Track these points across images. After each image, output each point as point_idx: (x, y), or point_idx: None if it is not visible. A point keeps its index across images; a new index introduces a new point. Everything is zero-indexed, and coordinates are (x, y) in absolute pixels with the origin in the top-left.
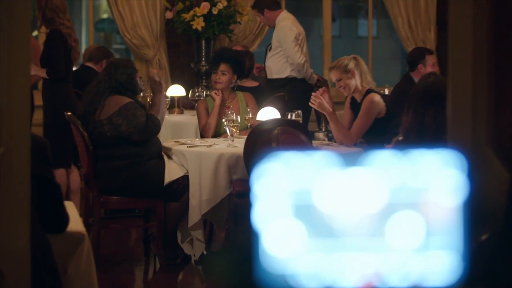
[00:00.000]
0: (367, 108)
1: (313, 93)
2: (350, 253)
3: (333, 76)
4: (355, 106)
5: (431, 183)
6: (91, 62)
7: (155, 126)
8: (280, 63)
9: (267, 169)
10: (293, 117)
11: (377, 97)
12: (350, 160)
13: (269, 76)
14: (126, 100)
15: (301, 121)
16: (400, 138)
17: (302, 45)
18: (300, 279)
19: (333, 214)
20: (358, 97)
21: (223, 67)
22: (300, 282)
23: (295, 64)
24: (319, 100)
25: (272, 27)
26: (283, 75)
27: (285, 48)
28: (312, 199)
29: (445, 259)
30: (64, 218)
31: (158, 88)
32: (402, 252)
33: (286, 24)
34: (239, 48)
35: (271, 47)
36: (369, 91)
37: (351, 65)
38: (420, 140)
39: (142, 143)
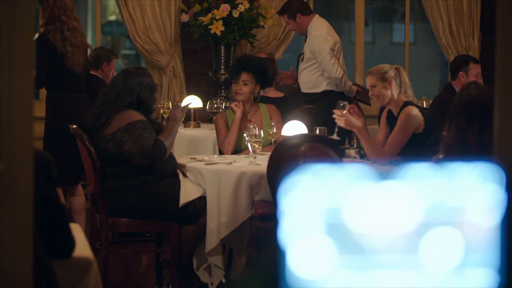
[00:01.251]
0: (403, 122)
1: (334, 110)
2: (381, 272)
3: (368, 81)
4: (392, 120)
5: (468, 198)
6: (92, 69)
7: (161, 152)
8: (314, 76)
9: (295, 183)
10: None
11: (415, 111)
12: (383, 174)
13: (302, 90)
14: (137, 116)
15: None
16: (441, 156)
17: (338, 56)
18: None
19: (364, 232)
20: (394, 111)
21: (244, 76)
22: None
23: (333, 79)
24: (345, 118)
25: (303, 35)
26: (319, 90)
27: (320, 61)
28: (343, 216)
29: (482, 279)
30: (70, 242)
31: (178, 118)
32: (436, 272)
33: (320, 34)
34: (262, 55)
35: (303, 58)
36: (406, 103)
37: (390, 73)
38: (462, 159)
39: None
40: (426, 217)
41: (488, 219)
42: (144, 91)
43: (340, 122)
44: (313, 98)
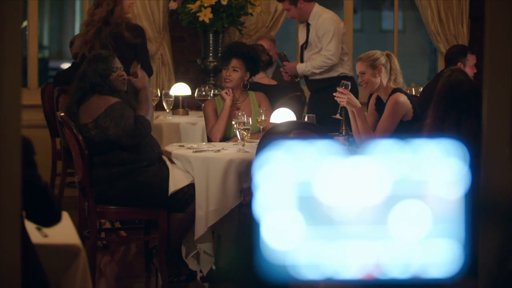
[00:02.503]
0: (391, 109)
1: (338, 88)
2: (351, 242)
3: (358, 68)
4: (380, 107)
5: (433, 173)
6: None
7: (145, 128)
8: None
9: (269, 158)
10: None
11: (402, 97)
12: (352, 149)
13: (312, 77)
14: (113, 99)
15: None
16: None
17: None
18: (301, 270)
19: (334, 205)
20: (383, 97)
21: (234, 62)
22: (302, 273)
23: (325, 59)
24: (347, 96)
25: (303, 22)
26: (335, 74)
27: (330, 40)
28: (314, 190)
29: (446, 250)
30: (55, 207)
31: (140, 83)
32: (403, 242)
33: (331, 17)
34: (266, 41)
35: (306, 46)
36: (394, 90)
37: (381, 61)
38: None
39: (136, 148)
40: (393, 190)
41: (452, 192)
42: (91, 73)
43: (342, 101)
44: (329, 82)
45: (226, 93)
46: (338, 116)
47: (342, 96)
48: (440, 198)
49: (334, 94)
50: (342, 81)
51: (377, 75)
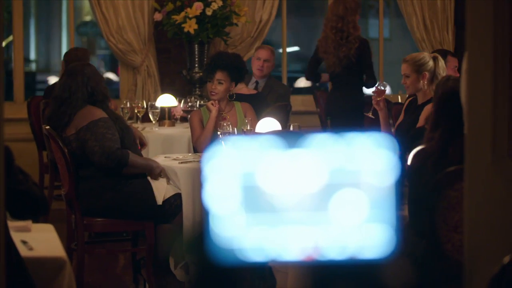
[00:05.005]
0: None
1: (376, 87)
2: (292, 227)
3: (402, 69)
4: (412, 107)
5: (365, 163)
6: None
7: (122, 159)
8: None
9: (216, 152)
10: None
11: None
12: (291, 143)
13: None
14: (98, 114)
15: None
16: (424, 145)
17: None
18: (247, 253)
19: (275, 193)
20: (420, 99)
21: (219, 75)
22: (248, 255)
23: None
24: (383, 98)
25: None
26: None
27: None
28: (257, 179)
29: (379, 233)
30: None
31: (155, 172)
32: (339, 227)
33: None
34: (266, 50)
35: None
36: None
37: (427, 66)
38: (446, 151)
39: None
40: (329, 179)
41: (383, 180)
42: (91, 79)
43: (376, 101)
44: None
45: (212, 104)
46: (370, 114)
47: (378, 98)
48: (373, 186)
49: (372, 91)
50: (381, 82)
51: (421, 80)
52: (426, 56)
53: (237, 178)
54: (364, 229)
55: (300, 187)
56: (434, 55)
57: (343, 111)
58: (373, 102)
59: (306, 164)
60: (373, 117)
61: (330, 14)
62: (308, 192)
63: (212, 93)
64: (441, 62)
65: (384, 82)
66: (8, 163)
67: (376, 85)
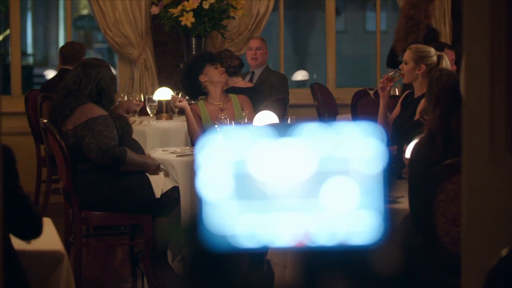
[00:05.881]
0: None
1: (390, 73)
2: (282, 214)
3: (405, 55)
4: (408, 100)
5: (354, 151)
6: (69, 64)
7: (119, 157)
8: None
9: (209, 141)
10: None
11: None
12: (282, 132)
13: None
14: (97, 111)
15: None
16: (422, 137)
17: None
18: (240, 239)
19: (266, 181)
20: (416, 92)
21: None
22: (240, 242)
23: None
24: (390, 84)
25: None
26: None
27: None
28: (248, 167)
29: (368, 220)
30: (36, 220)
31: (153, 170)
32: (329, 213)
33: None
34: (257, 40)
35: None
36: None
37: (428, 61)
38: (445, 143)
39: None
40: (319, 167)
41: (372, 168)
42: (104, 79)
43: (383, 85)
44: None
45: (180, 101)
46: (372, 93)
47: (388, 84)
48: (361, 173)
49: (386, 75)
50: (397, 70)
51: (417, 72)
52: (431, 51)
53: (229, 166)
54: (353, 215)
55: (290, 175)
56: (440, 54)
57: None
58: (380, 84)
59: (297, 153)
60: (373, 96)
61: (405, 2)
62: (299, 179)
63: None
64: (446, 62)
65: (399, 72)
66: (9, 163)
67: (393, 72)
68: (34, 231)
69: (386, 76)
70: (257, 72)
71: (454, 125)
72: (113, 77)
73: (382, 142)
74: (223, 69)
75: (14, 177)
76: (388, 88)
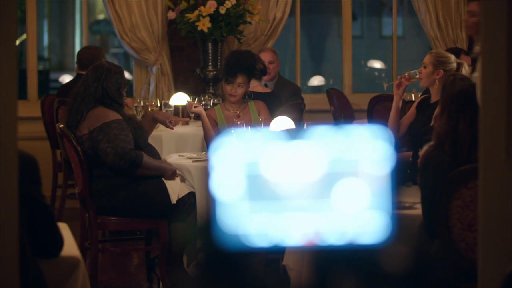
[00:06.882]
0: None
1: (405, 74)
2: (294, 214)
3: (425, 59)
4: (423, 106)
5: (363, 153)
6: (85, 69)
7: (135, 160)
8: None
9: (223, 143)
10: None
11: None
12: (293, 134)
13: None
14: (112, 115)
15: None
16: (432, 143)
17: None
18: (252, 239)
19: (278, 182)
20: (433, 97)
21: (240, 79)
22: (252, 241)
23: None
24: (406, 84)
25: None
26: None
27: None
28: (260, 169)
29: (376, 220)
30: (58, 240)
31: (169, 176)
32: (339, 214)
33: None
34: (268, 52)
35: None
36: None
37: (447, 66)
38: (453, 149)
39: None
40: (329, 169)
41: (380, 170)
42: (110, 83)
43: (399, 81)
44: None
45: (195, 106)
46: (386, 85)
47: (403, 81)
48: (370, 174)
49: (405, 73)
50: (416, 71)
51: (435, 76)
52: (451, 58)
53: (242, 168)
54: (362, 215)
55: (301, 176)
56: (460, 61)
57: None
58: (397, 81)
59: (307, 154)
60: (385, 89)
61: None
62: (309, 180)
63: (232, 95)
64: (465, 69)
65: (418, 74)
66: (34, 172)
67: (413, 72)
68: (53, 248)
69: (405, 73)
70: (270, 85)
71: (461, 130)
72: (121, 82)
73: (390, 144)
74: (235, 89)
75: (36, 184)
76: (404, 86)
